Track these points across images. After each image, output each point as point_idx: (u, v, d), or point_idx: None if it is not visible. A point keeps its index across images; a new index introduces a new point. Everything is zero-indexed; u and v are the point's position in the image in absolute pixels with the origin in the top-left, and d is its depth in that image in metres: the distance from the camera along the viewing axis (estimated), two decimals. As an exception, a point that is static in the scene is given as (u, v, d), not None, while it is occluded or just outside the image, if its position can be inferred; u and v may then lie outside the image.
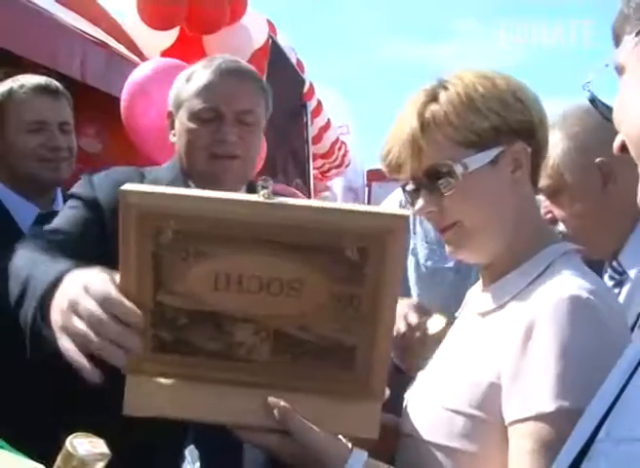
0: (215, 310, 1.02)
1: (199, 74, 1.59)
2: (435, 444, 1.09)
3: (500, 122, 1.12)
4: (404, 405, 1.23)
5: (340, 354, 1.03)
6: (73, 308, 1.00)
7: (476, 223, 1.14)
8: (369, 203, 13.09)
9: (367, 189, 14.10)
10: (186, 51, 4.09)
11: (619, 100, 0.77)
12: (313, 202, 0.99)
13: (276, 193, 0.98)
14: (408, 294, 2.22)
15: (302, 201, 1.02)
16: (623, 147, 0.77)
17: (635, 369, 0.70)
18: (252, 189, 1.63)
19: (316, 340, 1.03)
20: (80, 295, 1.00)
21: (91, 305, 0.97)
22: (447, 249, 1.21)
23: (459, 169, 1.12)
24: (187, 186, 1.57)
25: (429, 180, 1.15)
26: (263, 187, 0.97)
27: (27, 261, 1.32)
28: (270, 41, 4.70)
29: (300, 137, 5.74)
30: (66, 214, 1.55)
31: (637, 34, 0.74)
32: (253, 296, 1.00)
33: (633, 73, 0.75)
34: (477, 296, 1.23)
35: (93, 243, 1.46)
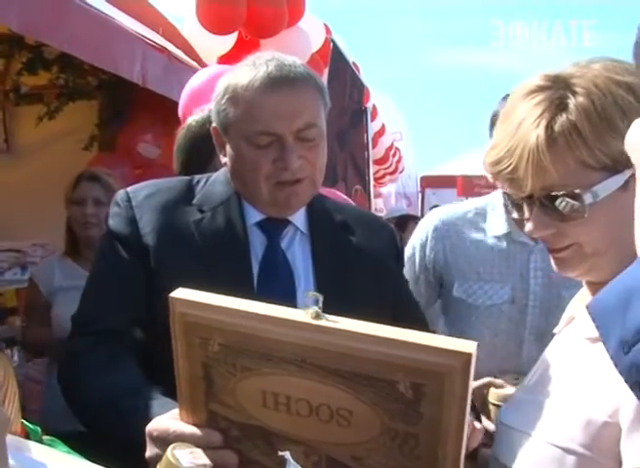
0: (264, 426, 0.96)
1: (245, 90, 1.35)
2: None
3: None
4: (499, 429, 1.10)
5: None
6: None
7: (597, 248, 1.03)
8: (422, 209, 12.97)
9: (420, 195, 14.01)
10: (244, 56, 4.02)
11: None
12: (364, 326, 0.87)
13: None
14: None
15: (353, 324, 0.87)
16: None
17: None
18: (313, 204, 1.50)
19: None
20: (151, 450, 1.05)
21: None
22: (555, 266, 1.09)
23: (588, 197, 0.99)
24: (241, 208, 1.43)
25: (549, 202, 1.02)
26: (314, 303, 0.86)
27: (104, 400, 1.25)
28: (331, 44, 4.61)
29: (360, 142, 5.63)
30: (111, 279, 1.40)
31: None
32: (302, 419, 0.92)
33: None
34: (585, 316, 1.09)
35: (142, 294, 1.38)
